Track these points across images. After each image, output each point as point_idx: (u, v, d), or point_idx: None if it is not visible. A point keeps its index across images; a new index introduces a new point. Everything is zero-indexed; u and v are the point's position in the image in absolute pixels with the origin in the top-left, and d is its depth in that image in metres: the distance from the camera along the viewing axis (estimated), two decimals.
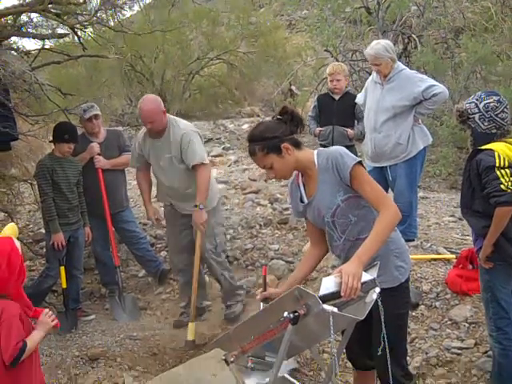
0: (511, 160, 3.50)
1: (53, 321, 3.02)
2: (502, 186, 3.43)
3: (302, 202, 3.21)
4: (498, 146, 3.56)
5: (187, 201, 5.12)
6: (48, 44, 8.33)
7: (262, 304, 3.17)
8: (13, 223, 3.18)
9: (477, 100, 3.70)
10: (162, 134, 5.10)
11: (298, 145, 3.06)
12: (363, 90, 6.11)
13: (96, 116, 5.92)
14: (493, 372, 3.82)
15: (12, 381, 2.91)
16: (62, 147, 5.44)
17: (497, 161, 3.48)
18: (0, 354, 2.83)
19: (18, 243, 2.99)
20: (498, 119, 3.64)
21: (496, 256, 3.62)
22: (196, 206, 4.98)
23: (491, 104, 3.64)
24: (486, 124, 3.66)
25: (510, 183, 3.44)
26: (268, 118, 3.15)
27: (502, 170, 3.46)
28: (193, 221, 5.07)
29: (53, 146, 5.54)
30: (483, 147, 3.60)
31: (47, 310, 3.06)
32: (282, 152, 2.99)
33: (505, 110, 3.64)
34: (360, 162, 2.98)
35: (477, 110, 3.68)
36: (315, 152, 3.11)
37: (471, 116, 3.71)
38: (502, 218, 3.49)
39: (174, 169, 5.10)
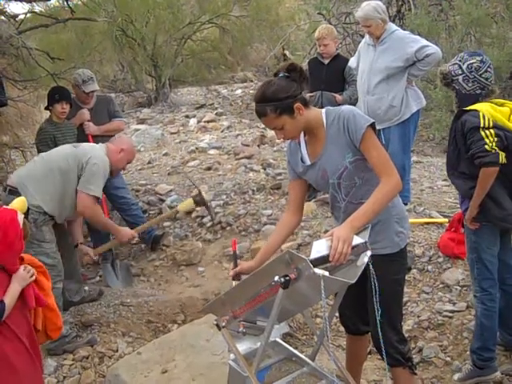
0: (496, 120, 3.47)
1: (31, 276, 3.00)
2: (486, 147, 3.41)
3: (302, 162, 3.11)
4: (482, 107, 3.52)
5: None
6: (37, 8, 8.23)
7: (233, 282, 3.10)
8: (23, 197, 3.14)
9: (460, 61, 3.65)
10: None
11: (307, 104, 2.94)
12: (356, 54, 6.05)
13: (94, 91, 5.90)
14: (475, 332, 3.85)
15: None
16: (55, 109, 5.43)
17: (481, 121, 3.44)
18: None
19: (21, 217, 2.96)
20: (482, 79, 3.59)
21: (482, 217, 3.61)
22: None
23: (474, 64, 3.59)
24: (470, 85, 3.62)
25: (494, 143, 3.41)
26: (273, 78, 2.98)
27: (487, 131, 3.43)
28: None
29: (45, 113, 5.50)
30: (468, 108, 3.56)
31: (28, 265, 3.04)
32: (295, 112, 2.86)
33: (488, 69, 3.60)
34: (372, 124, 2.88)
35: (460, 72, 3.63)
36: (323, 111, 3.00)
37: (455, 78, 3.66)
38: (487, 179, 3.47)
39: None
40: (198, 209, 6.53)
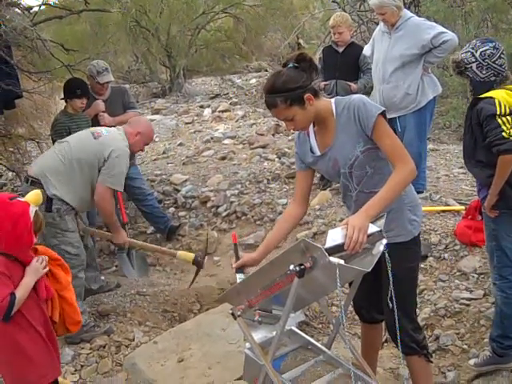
0: None
1: (44, 268, 3.02)
2: (503, 134, 3.36)
3: (312, 152, 3.09)
4: (498, 94, 3.48)
5: None
6: (51, 0, 8.24)
7: (237, 275, 3.08)
8: (38, 190, 3.15)
9: (472, 49, 3.60)
10: None
11: (317, 94, 2.91)
12: (370, 41, 6.00)
13: (109, 82, 5.92)
14: (495, 320, 3.83)
15: (8, 339, 2.93)
16: (74, 103, 5.43)
17: (497, 109, 3.40)
18: None
19: (33, 210, 2.97)
20: (496, 66, 3.55)
21: (501, 204, 3.57)
22: None
23: (487, 51, 3.54)
24: (484, 72, 3.58)
25: (511, 131, 3.37)
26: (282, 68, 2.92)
27: (504, 118, 3.38)
28: None
29: (60, 104, 5.52)
30: (483, 95, 3.52)
31: (41, 256, 3.05)
32: (305, 103, 2.84)
33: (501, 55, 3.55)
34: (383, 112, 2.86)
35: (473, 59, 3.58)
36: (333, 101, 2.98)
37: (468, 66, 3.61)
38: (506, 167, 3.43)
39: None
40: (213, 198, 6.56)
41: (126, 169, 4.58)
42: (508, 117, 3.39)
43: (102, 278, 5.36)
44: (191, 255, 5.08)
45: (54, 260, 3.15)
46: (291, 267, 2.43)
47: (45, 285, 3.01)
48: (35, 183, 4.41)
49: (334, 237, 2.60)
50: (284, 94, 2.80)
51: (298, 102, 2.82)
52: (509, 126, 3.38)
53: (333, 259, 2.39)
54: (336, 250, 2.54)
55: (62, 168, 4.48)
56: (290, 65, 2.85)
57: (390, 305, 2.92)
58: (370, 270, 2.53)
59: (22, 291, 2.88)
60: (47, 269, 3.03)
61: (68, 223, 4.49)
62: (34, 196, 3.06)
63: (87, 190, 4.54)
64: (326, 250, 2.42)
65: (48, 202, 4.37)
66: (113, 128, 4.86)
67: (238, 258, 3.18)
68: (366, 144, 2.88)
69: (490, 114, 3.43)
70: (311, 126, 3.04)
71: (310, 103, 2.85)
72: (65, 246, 4.44)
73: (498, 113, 3.40)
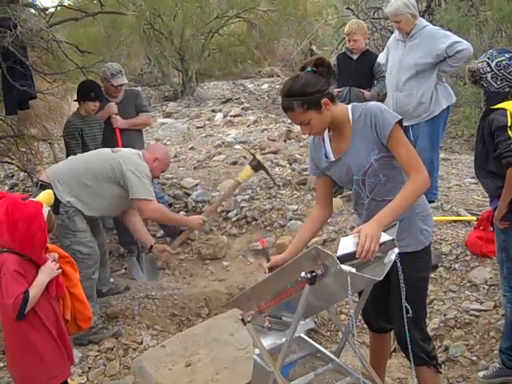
0: None
1: (58, 269, 3.04)
2: None
3: (326, 157, 3.08)
4: (511, 105, 3.47)
5: None
6: (66, 2, 8.29)
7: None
8: (50, 190, 3.18)
9: (488, 59, 3.59)
10: None
11: (333, 99, 2.92)
12: (385, 49, 5.99)
13: (123, 85, 5.93)
14: (504, 332, 3.81)
15: (21, 338, 2.94)
16: (88, 105, 5.45)
17: (509, 120, 3.39)
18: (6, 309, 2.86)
19: (46, 210, 2.98)
20: (511, 77, 3.54)
21: (511, 216, 3.56)
22: None
23: (503, 62, 3.53)
24: (498, 83, 3.57)
25: None
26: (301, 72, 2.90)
27: None
28: None
29: (73, 106, 5.54)
30: (496, 106, 3.51)
31: (52, 254, 3.07)
32: (322, 108, 2.83)
33: None
34: (400, 121, 2.85)
35: (489, 69, 3.57)
36: (349, 107, 2.97)
37: (483, 75, 3.60)
38: None
39: None
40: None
41: (147, 177, 4.57)
42: None
43: (112, 280, 5.37)
44: (247, 167, 5.35)
45: (63, 257, 3.18)
46: (302, 274, 2.43)
47: (57, 282, 3.03)
48: (45, 187, 4.43)
49: (346, 245, 2.60)
50: (301, 98, 2.79)
51: (315, 107, 2.82)
52: None
53: (344, 267, 2.39)
54: (348, 258, 2.53)
55: (75, 178, 4.53)
56: (309, 69, 2.84)
57: (399, 314, 2.90)
58: (381, 278, 2.52)
59: (36, 290, 2.90)
60: (60, 270, 3.05)
61: (77, 223, 4.51)
62: (46, 196, 3.08)
63: (98, 200, 4.57)
64: (338, 257, 2.41)
65: (55, 204, 4.40)
66: (134, 150, 4.87)
67: (268, 260, 3.18)
68: (381, 152, 2.87)
69: (501, 125, 3.42)
70: (326, 131, 3.03)
71: (326, 108, 2.84)
72: (77, 246, 4.48)
73: (509, 124, 3.39)
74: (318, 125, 2.90)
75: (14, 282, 2.85)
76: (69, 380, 3.24)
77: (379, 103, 2.99)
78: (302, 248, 3.19)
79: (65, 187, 4.47)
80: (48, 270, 2.98)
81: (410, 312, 2.86)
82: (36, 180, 4.71)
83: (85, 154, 4.82)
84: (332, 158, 3.05)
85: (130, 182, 4.49)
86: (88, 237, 4.58)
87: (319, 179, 3.22)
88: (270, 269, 3.10)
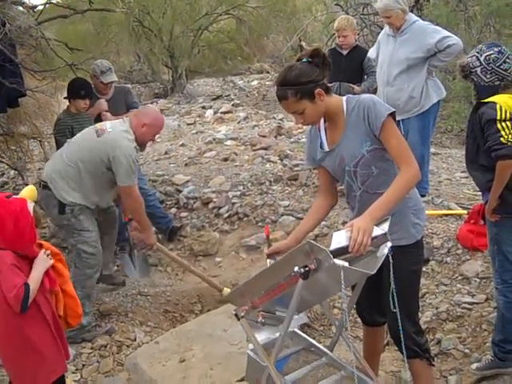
0: None
1: (50, 259, 3.04)
2: (501, 139, 3.37)
3: (321, 148, 3.11)
4: (501, 99, 3.49)
5: None
6: None
7: (268, 261, 3.12)
8: (32, 186, 3.18)
9: (477, 53, 3.61)
10: None
11: (328, 90, 2.94)
12: (376, 44, 6.00)
13: (112, 82, 5.91)
14: (496, 324, 3.83)
15: (20, 333, 2.94)
16: (78, 103, 5.41)
17: (498, 113, 3.41)
18: (7, 303, 2.86)
19: (31, 206, 2.99)
20: (501, 70, 3.55)
21: (502, 209, 3.57)
22: None
23: (492, 56, 3.55)
24: (488, 77, 3.58)
25: (510, 136, 3.37)
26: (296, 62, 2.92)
27: (503, 123, 3.39)
28: None
29: (63, 103, 5.51)
30: (486, 100, 3.53)
31: (47, 250, 3.08)
32: (315, 98, 2.86)
33: (507, 60, 3.55)
34: (393, 113, 2.88)
35: (478, 64, 3.59)
36: (344, 98, 3.00)
37: (473, 70, 3.62)
38: (504, 172, 3.43)
39: None
40: (215, 199, 6.56)
41: (132, 162, 4.48)
42: (508, 122, 3.40)
43: (114, 268, 5.38)
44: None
45: (55, 255, 3.19)
46: (296, 269, 2.43)
47: (50, 276, 3.04)
48: (46, 187, 4.45)
49: (339, 239, 2.61)
50: (295, 87, 2.82)
51: (308, 96, 2.84)
52: (508, 132, 3.38)
53: (337, 261, 2.40)
54: (340, 252, 2.54)
55: (69, 169, 4.50)
56: (304, 59, 2.87)
57: (392, 307, 2.92)
58: (374, 272, 2.54)
59: (35, 281, 2.93)
60: (53, 260, 3.06)
61: (83, 222, 4.51)
62: (28, 191, 3.08)
63: (96, 188, 4.55)
64: (331, 252, 2.42)
65: (60, 204, 4.41)
66: (118, 121, 4.80)
67: (270, 245, 3.21)
68: (373, 144, 2.89)
69: (490, 118, 3.43)
70: (322, 121, 3.06)
71: (320, 98, 2.87)
72: (81, 245, 4.48)
73: (499, 118, 3.40)
74: (312, 115, 2.92)
75: (13, 275, 2.86)
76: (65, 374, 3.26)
77: (373, 95, 3.03)
78: (305, 235, 3.21)
79: (63, 183, 4.46)
80: (42, 261, 3.00)
81: (396, 307, 2.86)
82: (38, 180, 4.70)
83: (71, 144, 4.70)
84: (326, 148, 3.07)
85: (115, 168, 4.45)
86: (93, 236, 4.56)
87: (320, 169, 3.24)
88: (270, 255, 3.13)
